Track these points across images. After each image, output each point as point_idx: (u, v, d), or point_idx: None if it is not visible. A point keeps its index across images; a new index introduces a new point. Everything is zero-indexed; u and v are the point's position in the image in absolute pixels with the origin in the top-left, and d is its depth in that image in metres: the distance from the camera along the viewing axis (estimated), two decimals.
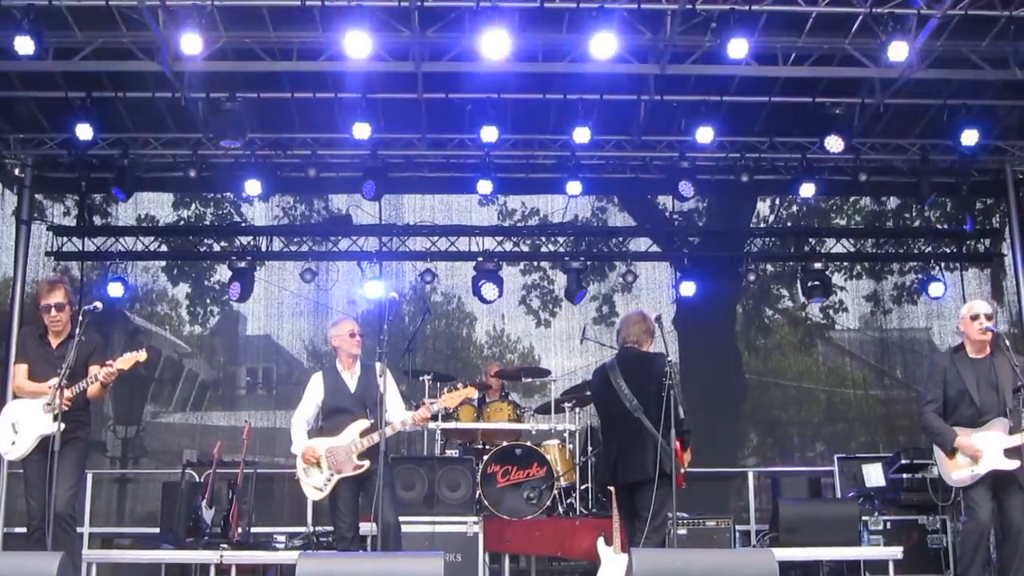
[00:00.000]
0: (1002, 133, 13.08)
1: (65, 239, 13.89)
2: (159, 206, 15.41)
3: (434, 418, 10.61)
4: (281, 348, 16.40)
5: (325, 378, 8.66)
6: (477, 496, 10.28)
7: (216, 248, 14.66)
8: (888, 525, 10.79)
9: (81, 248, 13.95)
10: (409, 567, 6.51)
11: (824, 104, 11.97)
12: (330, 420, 8.54)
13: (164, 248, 14.70)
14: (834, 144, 11.76)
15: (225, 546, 10.05)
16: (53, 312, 7.85)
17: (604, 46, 10.18)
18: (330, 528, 10.82)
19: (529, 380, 13.18)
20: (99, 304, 7.92)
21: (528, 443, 10.82)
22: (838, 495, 11.98)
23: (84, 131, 11.68)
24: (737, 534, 10.91)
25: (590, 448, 10.90)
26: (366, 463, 8.27)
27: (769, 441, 17.34)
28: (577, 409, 11.22)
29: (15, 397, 8.01)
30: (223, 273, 14.89)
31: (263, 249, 14.23)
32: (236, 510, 10.60)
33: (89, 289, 13.80)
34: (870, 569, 10.31)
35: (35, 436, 7.68)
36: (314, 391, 8.63)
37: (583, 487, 10.75)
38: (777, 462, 16.39)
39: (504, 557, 10.26)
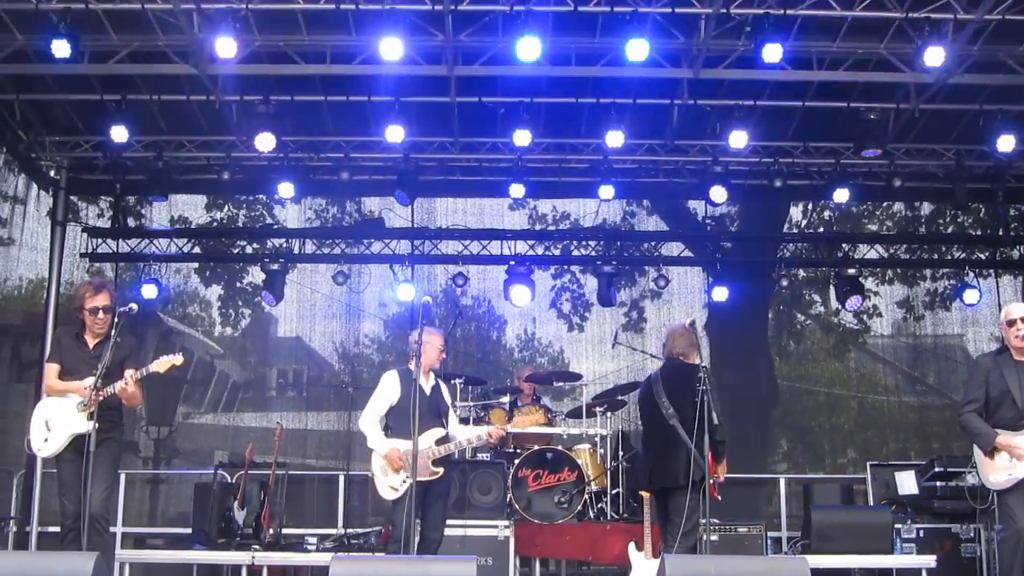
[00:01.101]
0: None
1: (99, 240, 13.97)
2: (192, 208, 15.51)
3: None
4: (312, 350, 16.45)
5: (401, 379, 8.62)
6: (508, 500, 10.28)
7: (248, 250, 14.70)
8: (921, 533, 10.73)
9: (115, 250, 14.04)
10: (442, 571, 6.50)
11: (859, 109, 11.88)
12: (402, 424, 8.38)
13: (197, 250, 14.69)
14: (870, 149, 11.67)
15: (256, 547, 10.09)
16: (101, 315, 7.89)
17: (637, 50, 10.14)
18: (360, 530, 10.97)
19: (560, 384, 13.17)
20: (134, 306, 7.93)
21: (559, 447, 10.82)
22: (870, 502, 11.90)
23: (119, 133, 11.75)
24: (769, 541, 10.87)
25: (621, 453, 10.88)
26: (440, 470, 8.43)
27: (800, 447, 17.27)
28: (608, 413, 11.21)
29: (47, 395, 8.03)
30: (255, 275, 14.96)
31: (295, 251, 14.29)
32: (267, 511, 10.64)
33: (122, 291, 13.86)
34: None
35: (68, 434, 7.67)
36: (390, 389, 8.60)
37: (614, 491, 10.73)
38: (807, 469, 16.32)
39: (535, 561, 10.27)
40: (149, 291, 13.48)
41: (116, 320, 7.80)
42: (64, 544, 7.63)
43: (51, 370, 7.94)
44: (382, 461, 8.44)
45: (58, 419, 7.76)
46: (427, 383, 8.65)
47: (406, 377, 8.55)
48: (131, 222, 14.61)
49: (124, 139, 11.86)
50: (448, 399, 8.85)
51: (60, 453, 7.76)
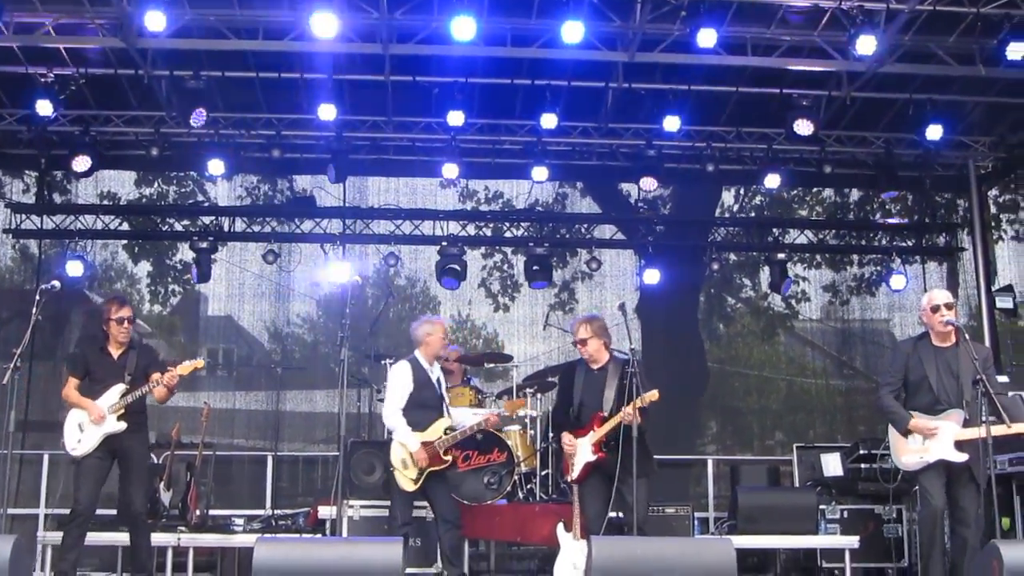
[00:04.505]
0: (966, 129, 13.21)
1: (24, 216, 13.71)
2: (120, 184, 15.24)
3: None
4: (242, 329, 16.26)
5: (413, 370, 8.89)
6: None
7: (178, 227, 14.50)
8: (845, 514, 10.91)
9: (40, 226, 13.78)
10: (368, 553, 6.48)
11: (791, 95, 12.00)
12: (415, 414, 8.82)
13: (125, 226, 14.50)
14: (803, 128, 11.73)
15: (183, 529, 10.00)
16: (125, 324, 8.47)
17: (573, 32, 10.17)
18: (288, 511, 10.94)
19: (491, 365, 13.14)
20: (57, 283, 8.08)
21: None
22: (796, 484, 12.05)
23: (44, 107, 11.51)
24: (696, 521, 10.97)
25: (551, 434, 10.88)
26: (449, 458, 8.86)
27: (729, 429, 17.41)
28: (539, 395, 11.21)
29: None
30: (185, 252, 14.73)
31: (226, 229, 14.12)
32: (194, 492, 10.56)
33: (47, 267, 13.63)
34: (827, 557, 10.41)
35: (99, 436, 8.28)
36: (404, 381, 8.87)
37: (543, 473, 10.73)
38: (736, 450, 16.49)
39: (463, 542, 10.23)
40: (74, 268, 13.18)
41: (37, 298, 7.90)
42: (68, 527, 8.34)
43: (70, 383, 8.50)
44: (403, 453, 8.75)
45: (90, 422, 8.33)
46: (433, 371, 8.97)
47: (417, 368, 8.88)
48: (57, 198, 14.35)
49: (50, 113, 11.63)
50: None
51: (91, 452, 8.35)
